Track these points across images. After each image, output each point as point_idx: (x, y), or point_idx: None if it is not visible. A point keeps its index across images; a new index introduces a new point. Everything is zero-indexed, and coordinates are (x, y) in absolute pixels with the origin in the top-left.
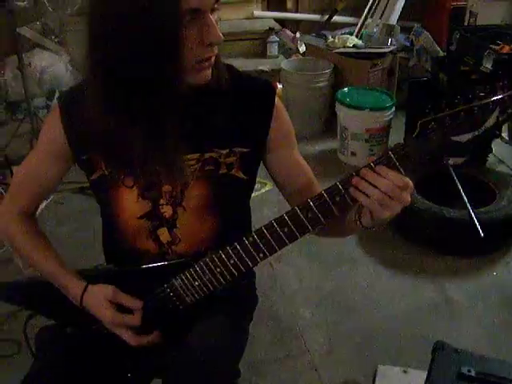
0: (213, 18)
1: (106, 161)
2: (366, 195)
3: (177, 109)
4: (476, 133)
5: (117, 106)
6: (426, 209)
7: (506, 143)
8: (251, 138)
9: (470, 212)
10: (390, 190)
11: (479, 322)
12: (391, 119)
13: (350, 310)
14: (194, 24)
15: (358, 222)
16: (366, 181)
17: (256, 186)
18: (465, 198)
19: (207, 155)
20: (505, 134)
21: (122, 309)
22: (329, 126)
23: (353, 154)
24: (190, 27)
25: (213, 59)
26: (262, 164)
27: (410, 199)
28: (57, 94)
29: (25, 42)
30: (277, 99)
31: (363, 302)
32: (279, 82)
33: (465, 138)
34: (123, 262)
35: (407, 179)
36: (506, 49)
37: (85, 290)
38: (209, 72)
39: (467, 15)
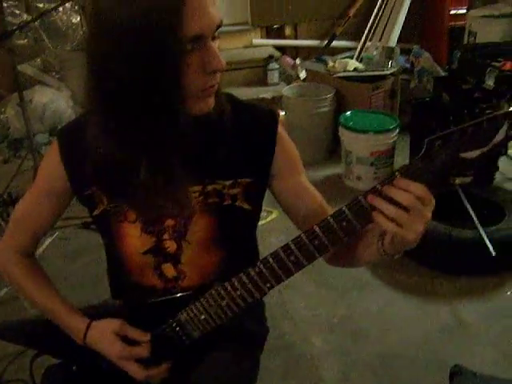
0: (214, 45)
1: (108, 195)
2: (382, 214)
3: (181, 139)
4: (485, 149)
5: (120, 138)
6: (435, 230)
7: None
8: (255, 168)
9: (480, 231)
10: (410, 204)
11: (495, 344)
12: (395, 141)
13: (362, 336)
14: (196, 52)
15: (382, 251)
16: (382, 197)
17: (262, 215)
18: (474, 217)
19: (210, 187)
20: (511, 151)
21: (128, 342)
22: (333, 151)
23: (358, 178)
24: (192, 55)
25: (215, 87)
26: (267, 192)
27: (430, 216)
28: None
29: (26, 79)
30: (280, 127)
31: (376, 328)
32: (281, 109)
33: (473, 154)
34: (129, 297)
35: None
36: (508, 65)
37: (88, 326)
38: (212, 100)
39: (466, 34)
